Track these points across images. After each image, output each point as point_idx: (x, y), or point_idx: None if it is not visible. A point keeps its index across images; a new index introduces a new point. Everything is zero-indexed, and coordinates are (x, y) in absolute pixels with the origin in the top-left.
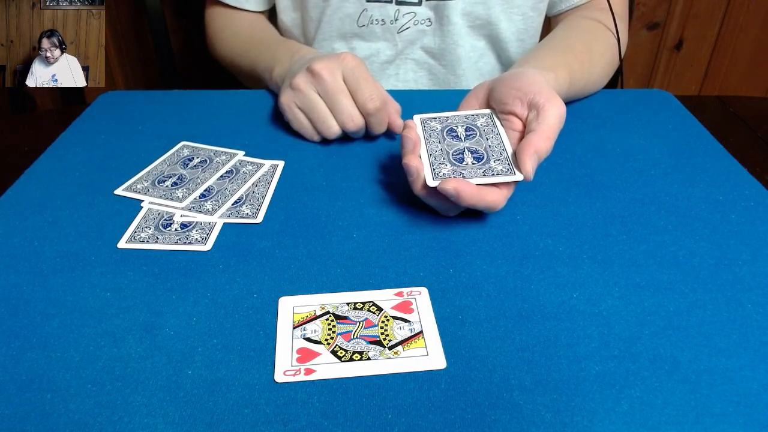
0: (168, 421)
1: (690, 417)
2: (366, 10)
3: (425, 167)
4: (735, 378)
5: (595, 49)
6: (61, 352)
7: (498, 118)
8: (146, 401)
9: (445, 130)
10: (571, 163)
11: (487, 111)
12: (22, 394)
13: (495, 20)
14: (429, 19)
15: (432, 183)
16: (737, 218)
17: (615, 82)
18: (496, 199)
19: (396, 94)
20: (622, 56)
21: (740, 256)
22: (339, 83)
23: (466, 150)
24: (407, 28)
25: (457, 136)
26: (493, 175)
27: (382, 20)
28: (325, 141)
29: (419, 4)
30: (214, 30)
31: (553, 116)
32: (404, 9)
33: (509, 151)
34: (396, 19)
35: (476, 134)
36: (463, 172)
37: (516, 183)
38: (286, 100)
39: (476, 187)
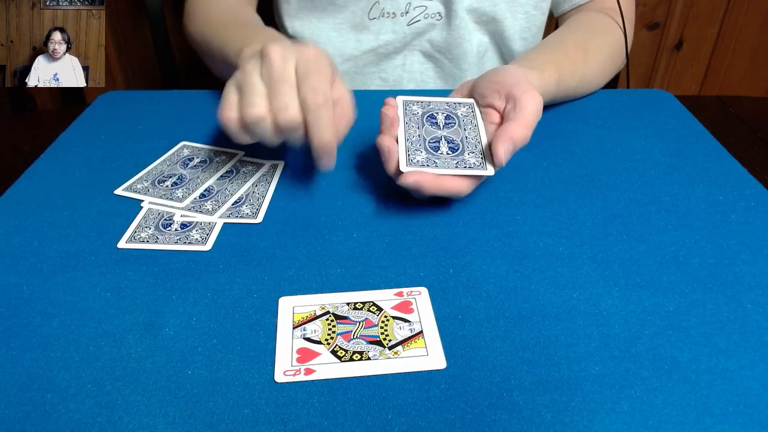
0: (168, 421)
1: (690, 417)
2: (378, 2)
3: (401, 152)
4: (735, 378)
5: (590, 46)
6: (61, 352)
7: (479, 110)
8: (146, 401)
9: (426, 116)
10: (571, 163)
11: (470, 101)
12: (22, 394)
13: (500, 17)
14: (439, 13)
15: (405, 169)
16: (737, 218)
17: (616, 81)
18: (460, 187)
19: (403, 92)
20: (628, 53)
21: (740, 256)
22: (287, 70)
23: (443, 138)
24: (417, 21)
25: (436, 123)
26: (465, 167)
27: (393, 13)
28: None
29: None
30: (191, 6)
31: (529, 107)
32: (415, 2)
33: (484, 143)
34: (407, 12)
35: (455, 123)
36: (436, 161)
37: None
38: (229, 79)
39: (436, 177)
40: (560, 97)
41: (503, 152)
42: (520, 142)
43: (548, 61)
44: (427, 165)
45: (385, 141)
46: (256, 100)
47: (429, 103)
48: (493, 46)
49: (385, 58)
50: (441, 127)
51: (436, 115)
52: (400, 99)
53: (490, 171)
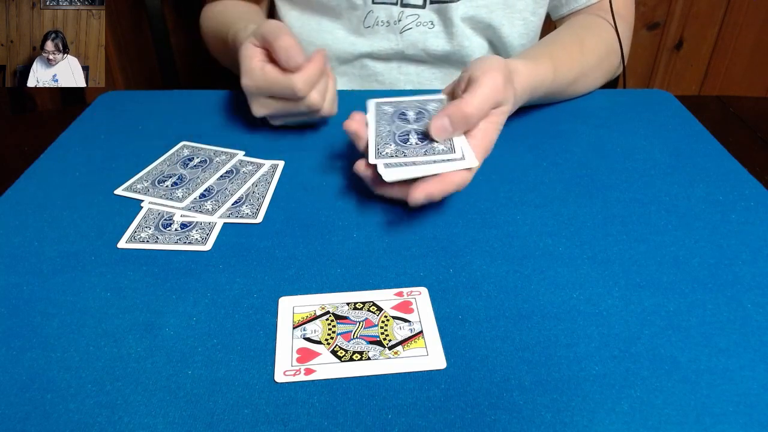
0: (168, 421)
1: (690, 417)
2: (372, 11)
3: (370, 146)
4: (735, 378)
5: (586, 42)
6: (61, 352)
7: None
8: (146, 401)
9: (397, 113)
10: (571, 163)
11: (441, 96)
12: (22, 394)
13: (497, 24)
14: (432, 21)
15: (373, 161)
16: (737, 218)
17: (616, 81)
18: (463, 177)
19: (402, 93)
20: (626, 56)
21: (740, 256)
22: (260, 89)
23: (412, 131)
24: (409, 29)
25: (407, 119)
26: (434, 153)
27: (387, 21)
28: (325, 136)
29: (423, 6)
30: (206, 8)
31: (483, 85)
32: (408, 11)
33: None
34: (399, 20)
35: (426, 117)
36: (405, 151)
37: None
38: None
39: (439, 180)
40: (558, 89)
41: (435, 129)
42: (459, 120)
43: (543, 53)
44: (396, 156)
45: (351, 126)
46: (297, 113)
47: (400, 102)
48: (493, 51)
49: (381, 62)
50: (411, 121)
51: (407, 112)
52: (371, 102)
53: (460, 158)
